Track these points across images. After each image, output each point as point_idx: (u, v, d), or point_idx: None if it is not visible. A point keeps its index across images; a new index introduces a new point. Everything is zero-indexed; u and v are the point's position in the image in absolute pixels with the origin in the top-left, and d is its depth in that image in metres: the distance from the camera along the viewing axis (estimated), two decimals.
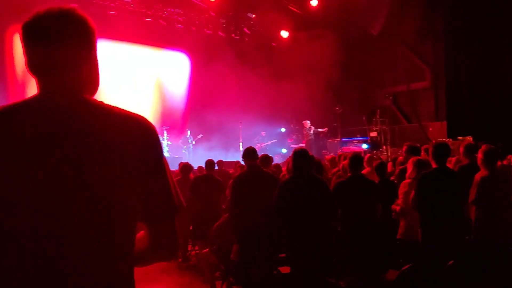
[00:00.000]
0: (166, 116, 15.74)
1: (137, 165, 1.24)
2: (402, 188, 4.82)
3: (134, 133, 1.26)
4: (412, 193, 4.31)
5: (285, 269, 4.51)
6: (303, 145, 15.25)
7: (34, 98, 1.24)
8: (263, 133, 16.08)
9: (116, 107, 1.28)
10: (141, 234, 1.35)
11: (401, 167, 5.83)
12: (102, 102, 1.28)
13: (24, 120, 1.18)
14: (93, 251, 1.17)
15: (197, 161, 9.48)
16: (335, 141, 15.57)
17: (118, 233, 1.21)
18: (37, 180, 1.14)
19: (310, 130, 15.01)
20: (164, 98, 16.11)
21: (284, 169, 6.83)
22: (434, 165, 4.38)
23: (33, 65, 1.25)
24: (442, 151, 4.35)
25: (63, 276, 1.14)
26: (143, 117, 1.31)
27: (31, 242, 1.13)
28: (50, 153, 1.15)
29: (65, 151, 1.16)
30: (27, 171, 1.13)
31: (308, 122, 15.10)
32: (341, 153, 8.80)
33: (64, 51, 1.23)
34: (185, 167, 7.30)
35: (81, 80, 1.28)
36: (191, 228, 6.71)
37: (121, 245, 1.23)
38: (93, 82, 1.33)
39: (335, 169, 7.10)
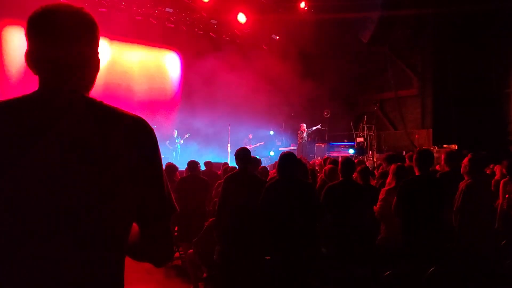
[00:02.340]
0: (155, 115, 15.66)
1: (134, 166, 1.23)
2: (381, 195, 4.86)
3: (132, 134, 1.25)
4: (395, 199, 4.35)
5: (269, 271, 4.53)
6: (292, 148, 15.30)
7: (34, 94, 1.23)
8: (250, 136, 16.08)
9: (115, 107, 1.28)
10: (137, 228, 1.34)
11: (381, 171, 5.92)
12: (101, 101, 1.27)
13: (23, 116, 1.17)
14: (84, 249, 1.16)
15: (185, 162, 9.44)
16: (323, 146, 15.66)
17: (111, 232, 1.21)
18: (29, 177, 1.13)
19: (303, 133, 15.05)
20: (152, 97, 16.02)
21: (272, 172, 6.85)
22: (417, 172, 4.40)
23: (36, 60, 1.23)
24: (425, 159, 4.37)
25: (52, 275, 1.13)
26: (141, 118, 1.31)
27: (20, 240, 1.12)
28: (46, 150, 1.14)
29: (62, 149, 1.15)
30: (20, 167, 1.12)
31: (305, 125, 15.15)
32: (326, 157, 8.85)
33: (70, 49, 1.22)
34: (169, 168, 7.24)
35: (83, 79, 1.28)
36: (176, 229, 6.69)
37: (113, 243, 1.22)
38: (93, 81, 1.33)
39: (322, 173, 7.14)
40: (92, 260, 1.18)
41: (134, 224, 1.32)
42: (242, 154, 4.91)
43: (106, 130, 1.21)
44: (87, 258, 1.17)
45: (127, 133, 1.24)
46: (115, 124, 1.24)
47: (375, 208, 4.83)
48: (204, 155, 12.82)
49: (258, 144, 15.95)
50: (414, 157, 4.47)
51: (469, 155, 4.59)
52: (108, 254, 1.22)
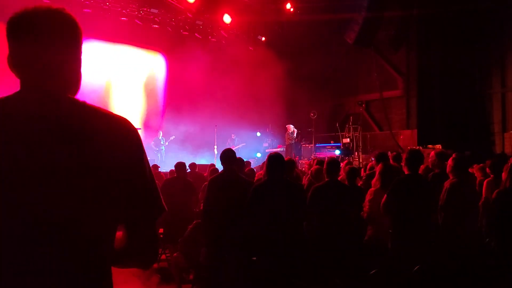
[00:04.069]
0: (139, 117, 15.54)
1: (118, 166, 1.22)
2: (369, 196, 4.88)
3: (115, 134, 1.24)
4: (384, 197, 4.38)
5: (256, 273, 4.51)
6: (279, 149, 15.28)
7: (15, 95, 1.21)
8: (233, 136, 16.01)
9: (98, 107, 1.27)
10: (120, 234, 1.32)
11: (368, 172, 5.92)
12: (84, 101, 1.26)
13: (3, 117, 1.15)
14: (67, 251, 1.14)
15: (171, 164, 9.39)
16: (309, 147, 15.69)
17: (97, 234, 1.19)
18: (10, 180, 1.10)
19: (293, 134, 15.04)
20: (137, 98, 15.90)
21: (258, 173, 6.83)
22: (406, 172, 4.47)
23: (17, 63, 1.23)
24: (416, 158, 4.44)
25: (36, 279, 1.11)
26: (125, 118, 1.30)
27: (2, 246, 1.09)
28: (28, 152, 1.12)
29: (44, 150, 1.14)
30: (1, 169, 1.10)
31: (292, 126, 15.14)
32: (314, 158, 8.88)
33: (50, 51, 1.21)
34: None
35: (65, 80, 1.27)
36: (161, 231, 6.63)
37: (97, 246, 1.20)
38: (76, 82, 1.32)
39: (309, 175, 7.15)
40: (79, 264, 1.15)
41: (118, 233, 1.30)
42: (226, 155, 4.89)
43: (89, 130, 1.20)
44: (74, 263, 1.15)
45: (111, 133, 1.23)
46: (99, 124, 1.22)
47: (364, 209, 4.85)
48: (191, 157, 12.75)
49: (240, 145, 15.87)
50: (404, 157, 4.51)
51: (453, 155, 4.64)
52: (95, 257, 1.19)
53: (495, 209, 4.53)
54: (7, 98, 1.20)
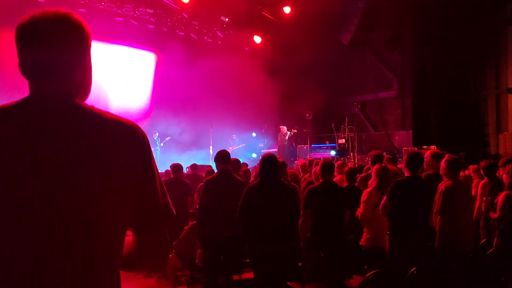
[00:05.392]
0: (134, 117, 15.47)
1: (126, 171, 1.22)
2: (363, 197, 4.89)
3: (124, 138, 1.24)
4: (384, 198, 4.39)
5: (250, 275, 4.51)
6: (274, 150, 15.30)
7: (24, 100, 1.22)
8: (234, 136, 16.02)
9: (106, 112, 1.27)
10: (130, 239, 1.32)
11: (362, 174, 5.93)
12: (92, 106, 1.26)
13: (12, 122, 1.16)
14: (75, 257, 1.14)
15: (166, 165, 9.36)
16: (304, 147, 15.70)
17: (104, 239, 1.19)
18: (19, 184, 1.11)
19: (285, 136, 15.06)
20: (133, 98, 15.84)
21: (253, 174, 6.82)
22: (407, 174, 4.50)
23: (26, 68, 1.23)
24: (416, 160, 4.47)
25: (44, 282, 1.11)
26: (133, 122, 1.30)
27: (9, 247, 1.10)
28: (36, 157, 1.13)
29: (53, 155, 1.14)
30: (9, 174, 1.11)
31: (285, 127, 15.16)
32: (311, 159, 8.86)
33: (59, 55, 1.22)
34: None
35: (73, 84, 1.28)
36: None
37: (106, 251, 1.20)
38: (86, 86, 1.33)
39: (306, 175, 7.14)
40: (87, 266, 1.15)
41: (127, 238, 1.30)
42: (221, 156, 4.90)
43: (97, 135, 1.20)
44: (82, 265, 1.14)
45: (119, 137, 1.23)
46: (106, 128, 1.23)
47: (359, 210, 4.85)
48: (186, 158, 12.73)
49: (240, 146, 15.90)
50: (404, 158, 4.53)
51: (446, 156, 4.65)
52: (104, 259, 1.19)
53: (506, 213, 4.52)
54: (16, 104, 1.21)
